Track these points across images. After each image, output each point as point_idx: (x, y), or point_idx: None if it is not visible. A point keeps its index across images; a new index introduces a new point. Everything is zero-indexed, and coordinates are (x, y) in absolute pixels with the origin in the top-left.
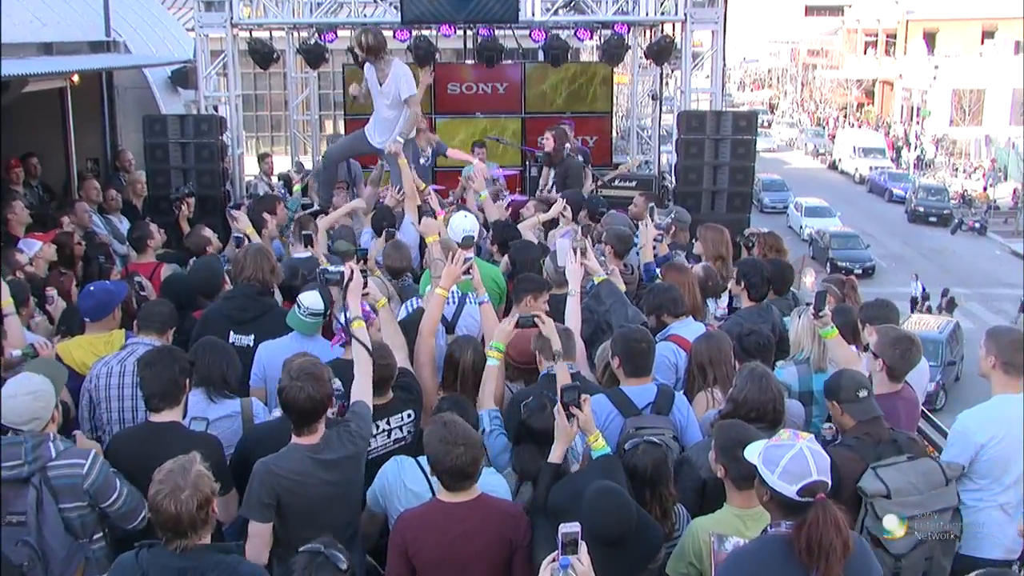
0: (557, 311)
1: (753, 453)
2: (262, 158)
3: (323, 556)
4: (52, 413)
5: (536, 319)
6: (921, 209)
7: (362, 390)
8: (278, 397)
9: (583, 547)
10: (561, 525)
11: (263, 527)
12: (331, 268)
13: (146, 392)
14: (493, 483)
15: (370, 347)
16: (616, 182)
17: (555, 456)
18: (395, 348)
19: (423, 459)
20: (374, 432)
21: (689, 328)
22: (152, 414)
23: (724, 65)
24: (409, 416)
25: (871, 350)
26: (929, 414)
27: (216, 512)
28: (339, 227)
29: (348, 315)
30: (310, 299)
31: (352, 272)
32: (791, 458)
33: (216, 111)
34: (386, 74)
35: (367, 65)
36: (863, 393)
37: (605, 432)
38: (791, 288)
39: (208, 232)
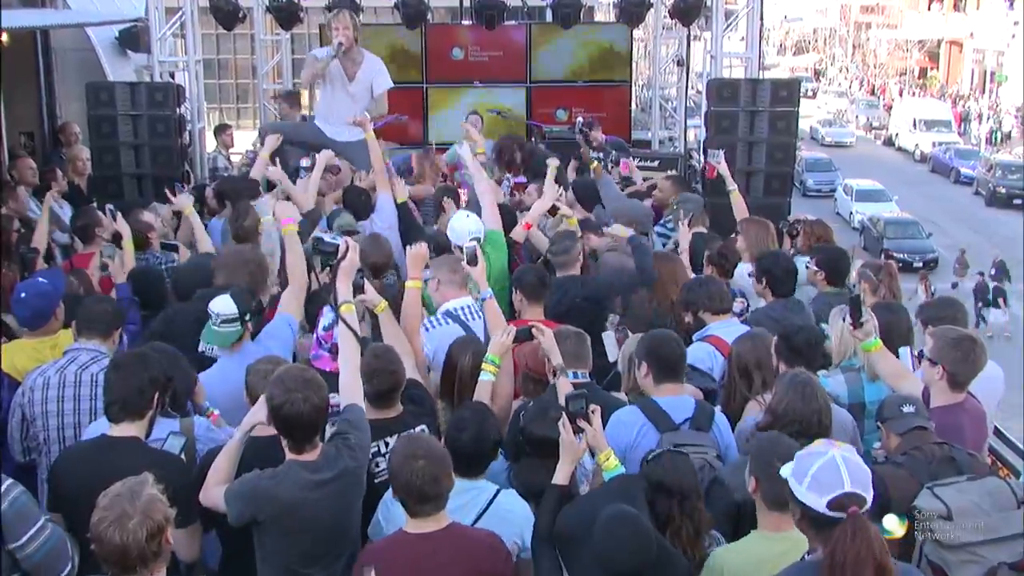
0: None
1: (787, 470)
2: (220, 130)
3: None
4: None
5: (534, 330)
6: (1003, 190)
7: (352, 390)
8: (272, 416)
9: None
10: None
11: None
12: (327, 237)
13: (107, 399)
14: (509, 504)
15: (359, 336)
16: (637, 162)
17: (560, 477)
18: (400, 356)
19: None
20: (382, 451)
21: (730, 329)
22: (111, 426)
23: (761, 25)
24: (423, 432)
25: (927, 356)
26: (1002, 430)
27: (171, 544)
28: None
29: (337, 298)
30: (220, 304)
31: (348, 247)
32: (821, 466)
33: (172, 78)
34: (358, 65)
35: (329, 54)
36: (908, 408)
37: (637, 449)
38: (847, 279)
39: (149, 216)
